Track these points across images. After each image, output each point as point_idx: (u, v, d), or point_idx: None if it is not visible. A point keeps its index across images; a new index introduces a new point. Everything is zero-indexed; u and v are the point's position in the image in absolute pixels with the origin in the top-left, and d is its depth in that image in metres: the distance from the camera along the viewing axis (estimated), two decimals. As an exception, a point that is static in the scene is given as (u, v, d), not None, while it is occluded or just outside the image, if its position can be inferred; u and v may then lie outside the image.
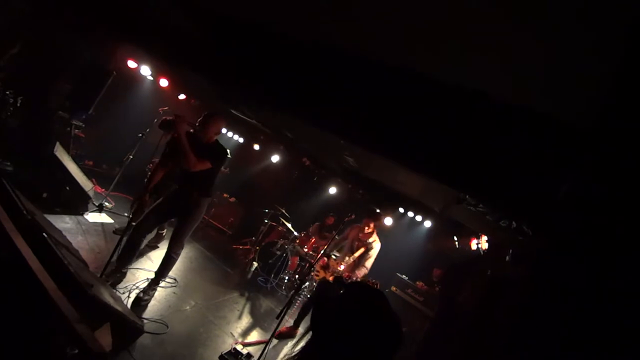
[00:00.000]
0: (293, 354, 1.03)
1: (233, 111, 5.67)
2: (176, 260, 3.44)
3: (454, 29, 1.58)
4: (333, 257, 4.01)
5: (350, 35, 2.10)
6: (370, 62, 2.18)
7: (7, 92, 4.21)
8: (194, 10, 2.92)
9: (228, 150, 3.41)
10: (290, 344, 3.89)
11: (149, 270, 3.84)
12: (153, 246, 4.54)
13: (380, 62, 2.13)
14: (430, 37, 1.71)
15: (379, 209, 4.21)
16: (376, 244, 3.97)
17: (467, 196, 2.66)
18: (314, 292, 4.34)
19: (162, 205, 3.38)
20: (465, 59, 1.73)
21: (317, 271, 3.82)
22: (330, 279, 4.03)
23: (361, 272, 3.81)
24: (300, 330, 4.07)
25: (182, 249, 3.44)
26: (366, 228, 3.98)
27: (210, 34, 3.05)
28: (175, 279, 3.91)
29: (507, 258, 3.44)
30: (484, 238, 4.34)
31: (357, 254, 3.94)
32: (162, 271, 3.41)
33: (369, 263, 3.86)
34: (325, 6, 1.94)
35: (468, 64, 1.76)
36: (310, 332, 1.07)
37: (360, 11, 1.82)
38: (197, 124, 3.18)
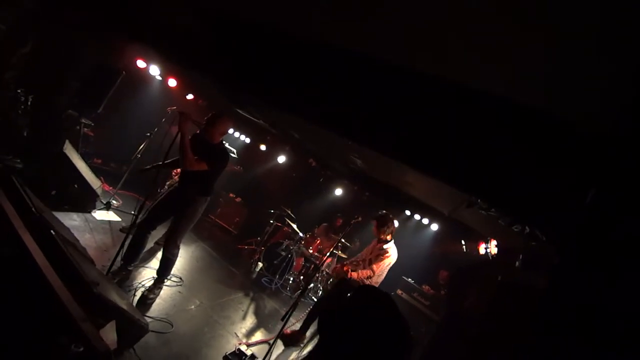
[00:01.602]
0: (300, 358, 1.02)
1: (240, 111, 5.68)
2: (173, 260, 3.39)
3: (454, 29, 1.56)
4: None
5: (350, 35, 2.09)
6: (370, 62, 2.17)
7: (19, 91, 4.26)
8: (195, 8, 2.93)
9: (234, 150, 3.40)
10: (297, 349, 3.85)
11: (155, 269, 3.85)
12: (161, 245, 4.55)
13: (380, 62, 2.12)
14: (430, 37, 1.70)
15: (386, 212, 4.00)
16: (392, 251, 3.74)
17: (478, 200, 2.62)
18: (325, 296, 4.25)
19: (162, 203, 3.37)
20: (465, 59, 1.71)
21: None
22: (337, 278, 3.97)
23: (365, 273, 3.64)
24: (308, 335, 4.01)
25: (178, 249, 3.37)
26: (380, 236, 3.79)
27: (210, 33, 3.05)
28: (180, 278, 3.92)
29: (517, 264, 3.38)
30: (493, 243, 4.28)
31: (369, 256, 3.80)
32: (162, 272, 3.40)
33: (376, 267, 3.66)
34: (325, 6, 1.94)
35: (468, 64, 1.75)
36: (318, 335, 1.05)
37: (360, 11, 1.81)
38: (203, 123, 3.15)
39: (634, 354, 1.15)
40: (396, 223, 3.91)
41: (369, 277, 3.66)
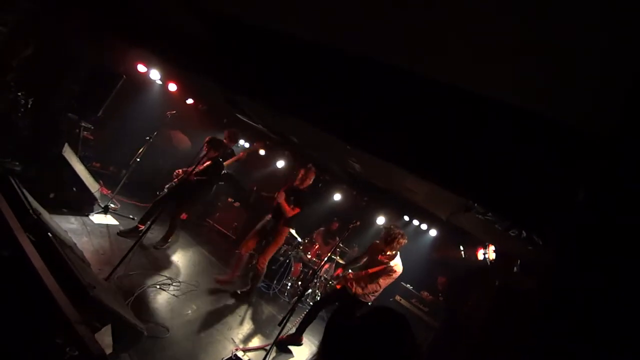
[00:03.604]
0: None
1: (239, 115, 5.70)
2: (262, 274, 4.41)
3: (454, 29, 1.57)
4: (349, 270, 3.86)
5: (350, 35, 2.09)
6: (370, 62, 2.17)
7: (19, 93, 4.26)
8: (194, 10, 2.95)
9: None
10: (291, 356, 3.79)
11: (154, 272, 3.84)
12: (158, 248, 4.55)
13: (380, 62, 2.12)
14: (430, 37, 1.70)
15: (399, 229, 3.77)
16: (399, 267, 3.67)
17: (475, 205, 2.62)
18: (323, 298, 4.20)
19: (261, 231, 4.49)
20: (465, 59, 1.72)
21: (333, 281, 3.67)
22: (338, 286, 3.92)
23: (371, 288, 3.57)
24: (305, 339, 3.97)
25: (264, 266, 4.36)
26: (386, 250, 3.69)
27: (209, 34, 3.06)
28: (179, 282, 3.90)
29: (515, 269, 3.37)
30: (491, 248, 4.27)
31: (374, 269, 3.67)
32: (255, 281, 4.47)
33: (383, 282, 3.60)
34: (325, 6, 1.94)
35: (468, 64, 1.75)
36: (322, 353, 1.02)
37: (360, 11, 1.82)
38: (300, 176, 4.42)
39: (634, 354, 1.14)
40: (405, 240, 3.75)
41: (375, 292, 3.62)
